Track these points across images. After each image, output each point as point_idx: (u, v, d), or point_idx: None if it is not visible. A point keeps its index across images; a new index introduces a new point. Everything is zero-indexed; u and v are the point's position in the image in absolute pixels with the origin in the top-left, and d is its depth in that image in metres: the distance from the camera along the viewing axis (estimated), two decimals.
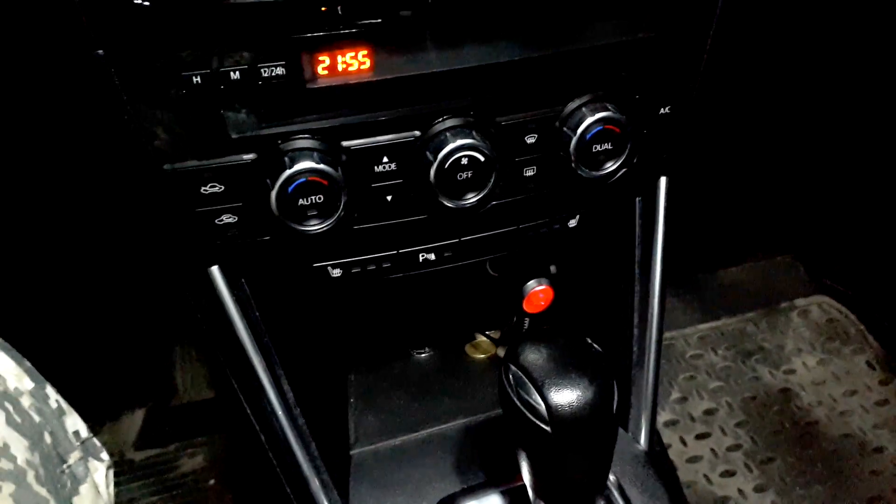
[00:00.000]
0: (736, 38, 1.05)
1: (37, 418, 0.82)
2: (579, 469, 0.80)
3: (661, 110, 0.97)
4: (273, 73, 0.77)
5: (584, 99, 0.91)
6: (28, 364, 0.87)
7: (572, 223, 1.06)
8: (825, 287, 2.40)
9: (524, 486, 0.86)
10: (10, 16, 0.74)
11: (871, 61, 1.71)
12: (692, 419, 2.07)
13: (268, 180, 0.81)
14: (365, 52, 0.79)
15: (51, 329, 1.72)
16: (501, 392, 0.81)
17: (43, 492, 0.78)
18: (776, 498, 1.90)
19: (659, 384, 1.14)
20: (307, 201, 0.82)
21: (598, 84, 0.91)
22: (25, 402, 0.82)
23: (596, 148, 0.91)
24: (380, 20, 0.77)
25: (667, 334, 2.28)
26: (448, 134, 0.85)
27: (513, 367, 0.80)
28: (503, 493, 1.00)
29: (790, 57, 1.60)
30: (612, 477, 0.99)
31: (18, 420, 0.79)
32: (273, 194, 0.80)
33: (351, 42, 0.78)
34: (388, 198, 0.90)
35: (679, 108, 0.98)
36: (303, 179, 0.80)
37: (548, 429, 0.76)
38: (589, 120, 0.89)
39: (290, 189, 0.80)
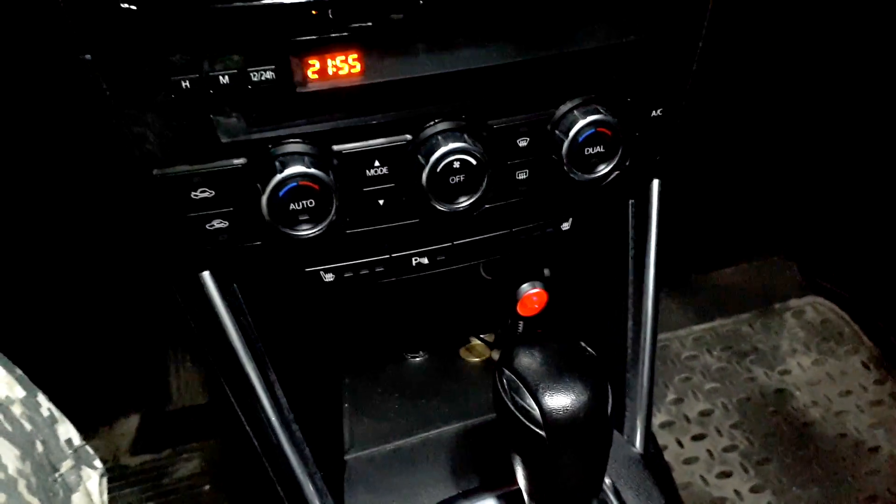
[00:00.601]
0: (727, 39, 1.05)
1: (28, 427, 0.81)
2: (574, 473, 0.80)
3: (653, 113, 0.97)
4: (263, 78, 0.76)
5: (576, 102, 0.90)
6: (19, 372, 0.86)
7: (565, 226, 1.06)
8: (819, 287, 2.41)
9: (519, 490, 0.86)
10: None
11: (863, 61, 1.71)
12: (688, 420, 2.07)
13: (258, 185, 0.80)
14: (355, 55, 0.79)
15: (44, 334, 1.71)
16: (496, 397, 0.81)
17: (35, 501, 0.78)
18: (772, 498, 1.90)
19: (654, 386, 1.13)
20: (298, 206, 0.81)
21: (590, 87, 0.91)
22: (16, 410, 0.81)
23: (588, 151, 0.91)
24: (371, 24, 0.77)
25: (662, 336, 2.28)
26: (440, 137, 0.85)
27: (507, 372, 0.80)
28: (498, 498, 1.00)
29: (782, 57, 1.61)
30: (607, 480, 0.99)
31: (9, 429, 0.78)
32: (264, 199, 0.80)
33: (341, 46, 0.78)
34: (381, 202, 0.89)
35: (671, 111, 0.97)
36: (294, 184, 0.79)
37: (542, 433, 0.75)
38: (581, 123, 0.89)
39: (281, 194, 0.80)
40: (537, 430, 0.76)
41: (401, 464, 1.09)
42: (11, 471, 0.75)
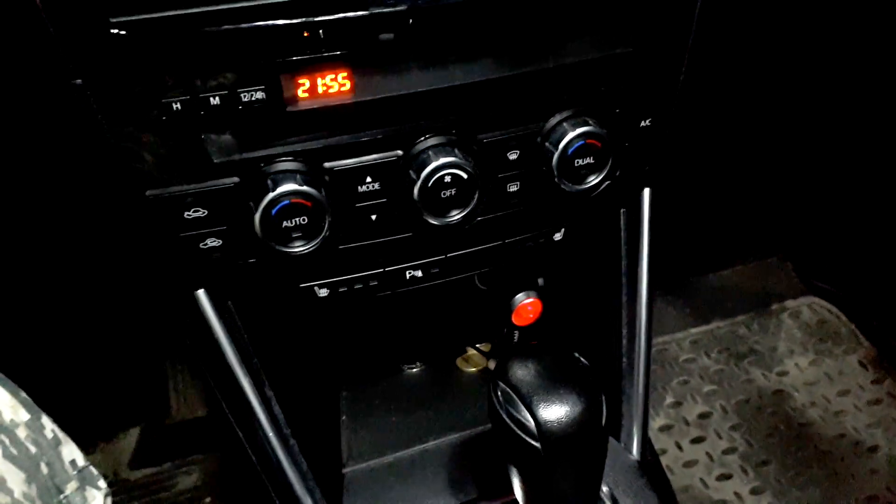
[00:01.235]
0: (715, 45, 1.06)
1: (33, 449, 0.82)
2: (571, 483, 0.81)
3: (642, 123, 0.97)
4: (253, 98, 0.77)
5: (565, 114, 0.91)
6: (24, 395, 0.86)
7: (557, 237, 1.07)
8: (815, 288, 2.42)
9: (516, 500, 0.86)
10: None
11: (853, 64, 1.72)
12: (687, 423, 2.07)
13: (251, 203, 0.81)
14: (345, 73, 0.80)
15: (43, 349, 1.71)
16: (491, 409, 0.81)
17: None
18: (773, 500, 1.90)
19: (650, 392, 1.14)
20: (291, 223, 0.82)
21: (579, 99, 0.92)
22: (21, 433, 0.82)
23: (578, 162, 0.91)
24: (361, 44, 0.78)
25: (659, 339, 2.29)
26: (431, 152, 0.86)
27: (501, 384, 0.80)
28: None
29: (773, 59, 1.61)
30: (604, 488, 0.99)
31: (15, 452, 0.78)
32: (257, 217, 0.80)
33: (331, 65, 0.79)
34: (373, 217, 0.90)
35: (660, 121, 0.98)
36: (286, 202, 0.80)
37: (538, 445, 0.76)
38: (570, 135, 0.89)
39: (273, 212, 0.80)
40: (533, 442, 0.76)
41: (399, 476, 1.09)
42: (17, 495, 0.75)
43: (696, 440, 2.03)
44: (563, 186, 0.93)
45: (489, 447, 1.13)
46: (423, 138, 0.87)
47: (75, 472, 0.87)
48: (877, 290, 2.28)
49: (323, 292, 0.97)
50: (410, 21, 0.78)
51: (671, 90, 0.98)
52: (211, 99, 0.76)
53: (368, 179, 0.87)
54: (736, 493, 1.91)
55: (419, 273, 1.00)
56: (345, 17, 0.75)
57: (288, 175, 0.81)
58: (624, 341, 1.12)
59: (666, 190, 1.13)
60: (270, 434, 0.95)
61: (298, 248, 0.84)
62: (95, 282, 1.48)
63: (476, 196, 0.89)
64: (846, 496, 1.91)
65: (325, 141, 0.83)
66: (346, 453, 1.15)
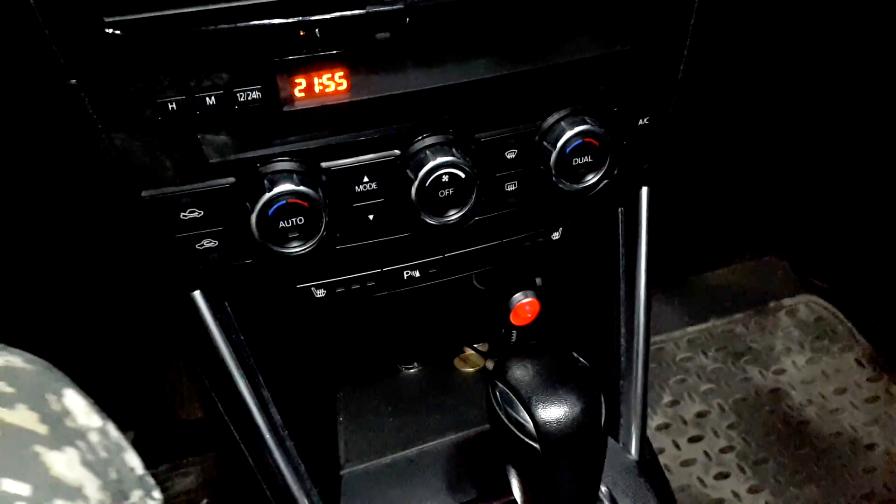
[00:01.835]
0: (713, 44, 1.05)
1: (104, 455, 0.81)
2: (569, 484, 0.80)
3: (640, 122, 0.97)
4: (249, 97, 0.76)
5: (563, 113, 0.91)
6: (91, 400, 0.86)
7: (555, 236, 1.06)
8: (812, 286, 2.42)
9: (515, 501, 0.86)
10: None
11: (849, 62, 1.73)
12: (684, 422, 2.07)
13: (247, 204, 0.80)
14: (341, 73, 0.79)
15: (39, 350, 1.70)
16: (489, 410, 0.81)
17: None
18: (770, 498, 1.90)
19: (648, 392, 1.14)
20: (288, 224, 0.81)
21: (577, 98, 0.91)
22: (94, 438, 0.81)
23: (576, 161, 0.91)
24: (358, 42, 0.77)
25: (657, 338, 2.29)
26: (428, 152, 0.85)
27: (500, 385, 0.80)
28: None
29: (770, 57, 1.62)
30: (603, 488, 0.99)
31: (91, 458, 0.77)
32: (253, 218, 0.80)
33: (327, 64, 0.78)
34: (370, 217, 0.89)
35: (657, 119, 0.98)
36: (283, 202, 0.80)
37: (537, 445, 0.76)
38: (568, 134, 0.89)
39: (270, 212, 0.80)
40: (531, 443, 0.76)
41: (397, 477, 1.09)
42: (94, 502, 0.74)
43: (694, 439, 2.03)
44: (560, 185, 0.93)
45: (488, 447, 1.13)
46: (420, 138, 0.86)
47: (137, 479, 0.87)
48: (873, 288, 2.29)
49: (320, 293, 0.97)
50: (407, 20, 0.78)
51: (669, 88, 0.97)
52: (207, 99, 0.75)
53: (365, 179, 0.86)
54: (734, 492, 1.91)
55: (417, 273, 1.00)
56: (341, 16, 0.75)
57: (284, 175, 0.80)
58: (622, 341, 1.12)
59: (663, 188, 1.13)
60: (267, 436, 0.95)
61: (295, 248, 0.83)
62: (91, 282, 1.47)
63: (474, 195, 0.88)
64: (843, 494, 1.91)
65: (321, 140, 0.83)
66: (344, 454, 1.15)
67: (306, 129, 0.82)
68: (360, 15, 0.75)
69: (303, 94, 0.79)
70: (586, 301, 1.25)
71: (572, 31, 0.87)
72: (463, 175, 0.86)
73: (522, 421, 0.76)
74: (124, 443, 0.87)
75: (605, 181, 0.95)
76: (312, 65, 0.78)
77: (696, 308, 2.38)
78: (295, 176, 0.81)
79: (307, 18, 0.74)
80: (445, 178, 0.85)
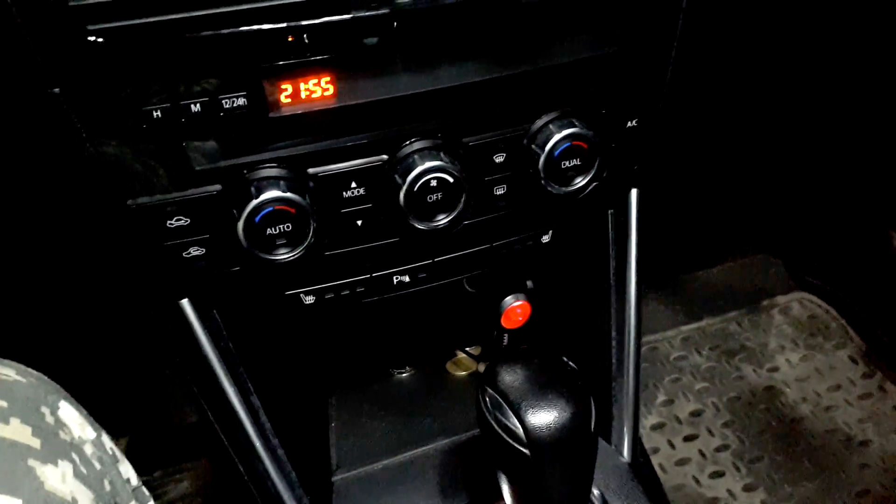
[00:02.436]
0: (702, 43, 1.05)
1: (98, 467, 0.80)
2: (560, 488, 0.80)
3: (629, 124, 0.97)
4: (235, 104, 0.76)
5: (551, 116, 0.91)
6: (86, 412, 0.85)
7: (545, 239, 1.06)
8: (805, 283, 2.42)
9: None
10: None
11: (839, 61, 1.73)
12: (679, 421, 2.07)
13: (234, 211, 0.80)
14: (328, 78, 0.79)
15: (30, 359, 1.69)
16: (479, 415, 0.81)
17: None
18: (766, 497, 1.91)
19: (640, 393, 1.14)
20: (275, 230, 0.81)
21: (565, 101, 0.91)
22: (88, 450, 0.80)
23: (565, 164, 0.91)
24: (346, 48, 0.77)
25: (650, 337, 2.29)
26: (416, 157, 0.85)
27: (489, 390, 0.80)
28: None
29: (760, 55, 1.61)
30: (595, 491, 0.99)
31: (84, 471, 0.77)
32: (240, 225, 0.79)
33: (313, 69, 0.78)
34: (359, 223, 0.89)
35: (646, 121, 0.98)
36: (270, 209, 0.79)
37: (526, 451, 0.76)
38: (556, 137, 0.89)
39: (257, 219, 0.79)
40: (521, 449, 0.76)
41: (388, 483, 1.08)
42: None
43: (689, 438, 2.03)
44: (549, 189, 0.92)
45: (479, 451, 1.12)
46: (408, 142, 0.86)
47: (131, 491, 0.86)
48: (866, 285, 2.29)
49: (309, 299, 0.96)
50: (395, 24, 0.77)
51: (657, 90, 0.97)
52: (192, 106, 0.75)
53: (353, 185, 0.86)
54: (729, 491, 1.91)
55: (406, 278, 1.00)
56: (330, 22, 0.74)
57: (271, 182, 0.80)
58: (613, 342, 1.12)
59: (655, 188, 1.13)
60: (258, 444, 0.95)
61: (283, 255, 0.83)
62: (83, 289, 1.46)
63: (463, 200, 0.88)
64: (838, 491, 1.91)
65: (308, 146, 0.82)
66: (336, 461, 1.14)
67: (293, 135, 0.81)
68: (349, 20, 0.75)
69: (289, 100, 0.78)
70: (577, 303, 1.25)
71: (560, 34, 0.86)
72: (451, 179, 0.85)
73: (512, 427, 0.76)
74: (119, 454, 0.86)
75: (595, 184, 0.95)
76: (298, 70, 0.77)
77: (689, 306, 2.38)
78: (282, 182, 0.80)
79: (296, 24, 0.74)
80: (434, 183, 0.85)
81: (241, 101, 0.76)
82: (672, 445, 2.01)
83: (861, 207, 2.23)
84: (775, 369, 2.21)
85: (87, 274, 1.25)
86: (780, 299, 2.40)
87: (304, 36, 0.75)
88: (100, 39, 0.68)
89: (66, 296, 1.51)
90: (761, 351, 2.26)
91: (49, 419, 0.77)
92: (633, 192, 1.11)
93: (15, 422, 0.73)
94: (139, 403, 2.09)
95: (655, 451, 2.00)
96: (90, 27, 0.67)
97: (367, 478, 1.10)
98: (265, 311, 0.97)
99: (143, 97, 0.73)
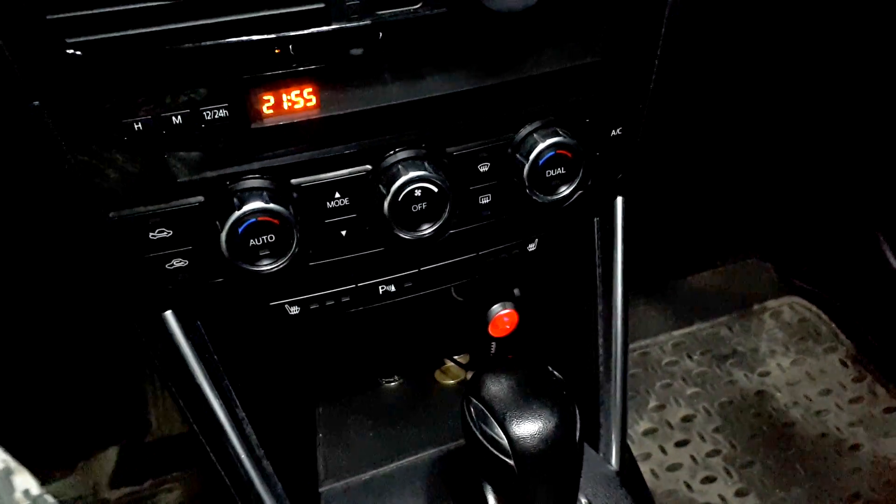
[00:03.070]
0: (686, 51, 1.05)
1: None
2: (546, 499, 0.80)
3: (613, 132, 0.97)
4: (216, 116, 0.76)
5: (535, 125, 0.91)
6: None
7: (531, 247, 1.06)
8: (795, 287, 2.43)
9: None
10: None
11: (825, 65, 1.73)
12: (670, 427, 2.07)
13: (217, 223, 0.79)
14: (310, 89, 0.79)
15: (20, 370, 1.68)
16: (464, 426, 0.81)
17: None
18: (757, 501, 1.91)
19: (627, 400, 1.13)
20: (259, 241, 0.80)
21: (549, 110, 0.91)
22: None
23: (549, 173, 0.91)
24: (331, 59, 0.77)
25: (641, 342, 2.29)
26: (400, 166, 0.85)
27: (474, 401, 0.80)
28: None
29: (745, 61, 1.62)
30: (583, 499, 0.99)
31: None
32: (223, 237, 0.79)
33: (295, 80, 0.78)
34: (343, 233, 0.89)
35: (630, 129, 0.98)
36: (253, 220, 0.79)
37: (511, 462, 0.75)
38: (541, 146, 0.89)
39: (240, 230, 0.79)
40: (506, 459, 0.76)
41: (376, 493, 1.08)
42: None
43: (680, 443, 2.03)
44: (534, 197, 0.92)
45: (467, 461, 1.12)
46: (392, 152, 0.86)
47: (28, 501, 0.85)
48: (856, 288, 2.30)
49: (294, 310, 0.96)
50: (380, 35, 0.77)
51: (641, 98, 0.97)
52: (173, 118, 0.74)
53: (337, 195, 0.86)
54: (720, 496, 1.91)
55: (392, 288, 0.99)
56: (316, 33, 0.74)
57: (254, 193, 0.80)
58: (600, 350, 1.11)
59: (646, 193, 1.13)
60: (243, 456, 0.94)
61: (267, 266, 0.83)
62: (70, 299, 1.45)
63: (447, 209, 0.88)
64: (830, 495, 1.91)
65: (291, 157, 0.82)
66: (323, 471, 1.14)
67: (276, 146, 0.81)
68: (335, 31, 0.75)
69: (271, 112, 0.78)
70: (565, 311, 1.24)
71: (543, 43, 0.86)
72: (435, 189, 0.85)
73: (497, 437, 0.76)
74: (14, 465, 0.85)
75: (579, 192, 0.95)
76: (281, 82, 0.77)
77: (680, 311, 2.39)
78: (265, 193, 0.80)
79: (281, 35, 0.73)
80: (418, 193, 0.85)
81: (223, 113, 0.76)
82: (664, 451, 2.01)
83: (850, 211, 2.24)
84: (766, 374, 2.22)
85: (73, 285, 1.24)
86: (771, 303, 2.41)
87: (290, 47, 0.74)
88: (78, 53, 0.68)
89: (51, 305, 1.50)
90: (752, 355, 2.27)
91: None
92: (619, 199, 1.11)
93: None
94: (129, 413, 2.08)
95: (647, 456, 2.00)
96: (69, 40, 0.67)
97: (354, 488, 1.09)
98: (250, 323, 0.97)
99: (123, 110, 0.73)
